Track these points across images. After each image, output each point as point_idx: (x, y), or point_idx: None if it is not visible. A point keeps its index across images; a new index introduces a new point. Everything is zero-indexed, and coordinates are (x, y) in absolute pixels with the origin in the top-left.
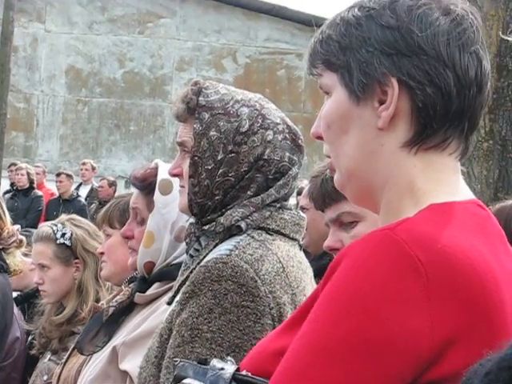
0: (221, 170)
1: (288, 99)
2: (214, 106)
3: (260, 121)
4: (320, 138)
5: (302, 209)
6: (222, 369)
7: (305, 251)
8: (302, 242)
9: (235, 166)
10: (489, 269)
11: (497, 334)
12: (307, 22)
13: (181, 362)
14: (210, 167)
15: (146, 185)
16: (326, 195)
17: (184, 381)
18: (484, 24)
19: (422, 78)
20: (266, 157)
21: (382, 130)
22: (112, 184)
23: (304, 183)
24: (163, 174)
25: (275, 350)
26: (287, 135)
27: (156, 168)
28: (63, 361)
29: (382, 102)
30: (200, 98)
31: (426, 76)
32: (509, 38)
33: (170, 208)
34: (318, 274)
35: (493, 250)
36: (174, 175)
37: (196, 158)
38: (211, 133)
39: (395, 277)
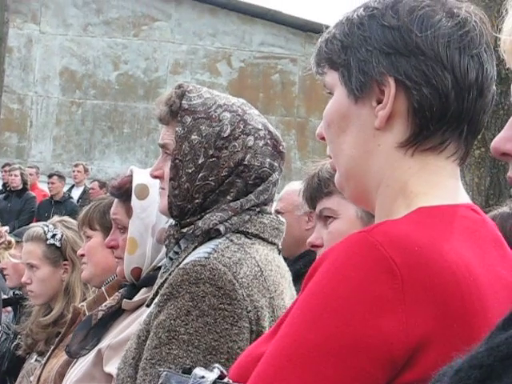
0: (201, 174)
1: (282, 104)
2: (197, 109)
3: (242, 126)
4: (323, 139)
5: (278, 212)
6: (203, 377)
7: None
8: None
9: (215, 170)
10: (469, 272)
11: (476, 338)
12: (302, 27)
13: (164, 371)
14: (190, 171)
15: (123, 192)
16: (312, 193)
17: None
18: None
19: (419, 79)
20: (246, 162)
21: (379, 130)
22: (103, 186)
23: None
24: (138, 179)
25: (259, 356)
26: (268, 141)
27: (131, 175)
28: (43, 362)
29: (380, 102)
30: (183, 102)
31: (423, 76)
32: (497, 35)
33: (149, 212)
34: (293, 278)
35: (480, 255)
36: (156, 177)
37: (177, 161)
38: (193, 136)
39: (369, 279)
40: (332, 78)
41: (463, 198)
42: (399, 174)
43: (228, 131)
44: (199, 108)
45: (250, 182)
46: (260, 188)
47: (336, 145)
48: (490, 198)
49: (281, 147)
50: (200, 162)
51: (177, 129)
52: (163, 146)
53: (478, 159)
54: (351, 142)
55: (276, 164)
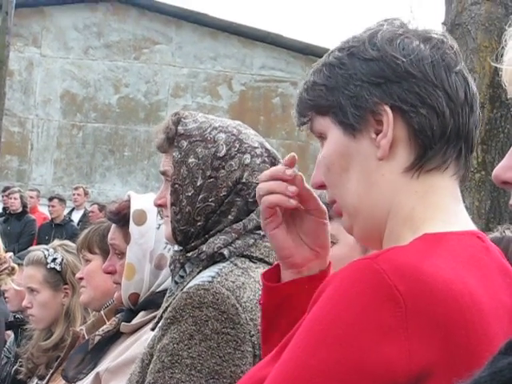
0: (201, 196)
1: (282, 127)
2: (192, 133)
3: (237, 145)
4: (321, 186)
5: None
6: None
7: None
8: None
9: (214, 190)
10: (473, 301)
11: (480, 366)
12: (302, 51)
13: None
14: (190, 194)
15: (121, 217)
16: None
17: None
18: (477, 55)
19: (414, 101)
20: (244, 180)
21: (381, 160)
22: (103, 209)
23: None
24: (136, 204)
25: (261, 379)
26: (266, 158)
27: (129, 200)
28: None
29: (377, 133)
30: (179, 127)
31: (418, 98)
32: (498, 65)
33: (147, 237)
34: None
35: (485, 283)
36: (159, 205)
37: (176, 185)
38: (190, 160)
39: (373, 306)
40: (321, 123)
41: (467, 221)
42: (406, 199)
43: (224, 151)
44: (195, 132)
45: (250, 200)
46: None
47: (340, 185)
48: (490, 221)
49: (279, 164)
50: (199, 183)
51: (174, 154)
52: (164, 174)
53: (479, 182)
54: (355, 178)
55: None
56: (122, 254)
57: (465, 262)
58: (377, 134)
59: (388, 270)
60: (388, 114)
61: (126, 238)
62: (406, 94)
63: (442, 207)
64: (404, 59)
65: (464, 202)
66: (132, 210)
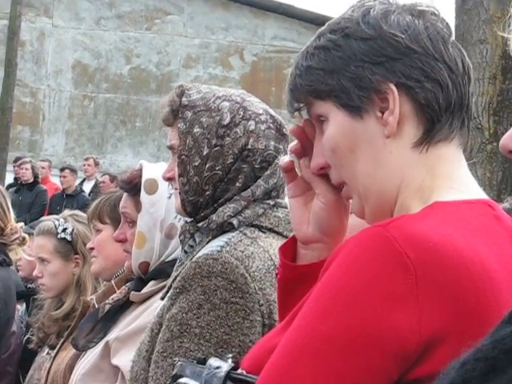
0: (208, 165)
1: None
2: (196, 103)
3: (241, 113)
4: (323, 169)
5: None
6: (218, 367)
7: None
8: None
9: (221, 159)
10: (485, 269)
11: None
12: (314, 21)
13: (179, 361)
14: (197, 163)
15: (132, 186)
16: None
17: (180, 380)
18: (490, 26)
19: (419, 76)
20: (250, 146)
21: (388, 138)
22: (114, 179)
23: None
24: (148, 173)
25: (272, 347)
26: (271, 125)
27: (141, 169)
28: (53, 355)
29: (382, 111)
30: (183, 99)
31: (422, 72)
32: (504, 35)
33: (158, 206)
34: None
35: (497, 251)
36: (168, 179)
37: (183, 156)
38: (195, 130)
39: (383, 274)
40: (321, 107)
41: (477, 190)
42: (416, 173)
43: (228, 119)
44: (198, 102)
45: (256, 167)
46: (268, 172)
47: (347, 166)
48: (501, 192)
49: (284, 130)
50: (205, 153)
51: (179, 125)
52: (171, 148)
53: (490, 154)
54: (363, 158)
55: (281, 146)
56: (133, 223)
57: (476, 229)
58: (382, 113)
59: (398, 237)
60: (393, 92)
61: (138, 206)
62: (410, 70)
63: (451, 176)
64: (403, 35)
65: (475, 173)
66: (143, 179)
